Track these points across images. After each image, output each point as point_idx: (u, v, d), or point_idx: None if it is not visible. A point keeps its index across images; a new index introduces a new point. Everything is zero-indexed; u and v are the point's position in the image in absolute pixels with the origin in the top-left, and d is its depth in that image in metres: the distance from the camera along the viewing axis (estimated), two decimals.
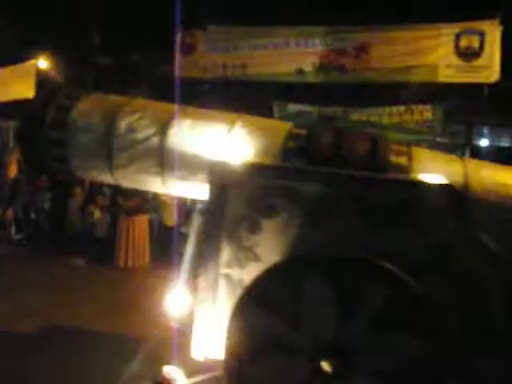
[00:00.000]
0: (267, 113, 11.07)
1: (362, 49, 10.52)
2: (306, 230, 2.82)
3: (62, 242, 9.00)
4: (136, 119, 3.48)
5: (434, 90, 10.35)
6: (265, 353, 2.74)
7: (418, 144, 11.65)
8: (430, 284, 2.69)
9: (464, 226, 2.79)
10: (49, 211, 9.92)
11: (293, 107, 11.12)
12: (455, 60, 10.19)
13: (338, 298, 2.63)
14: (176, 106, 3.80)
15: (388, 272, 2.61)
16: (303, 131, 3.36)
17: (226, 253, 2.93)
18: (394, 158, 3.17)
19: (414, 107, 10.37)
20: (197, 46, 12.01)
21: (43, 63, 10.53)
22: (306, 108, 11.02)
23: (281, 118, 11.16)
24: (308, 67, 11.10)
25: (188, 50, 12.05)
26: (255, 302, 2.74)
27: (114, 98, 3.99)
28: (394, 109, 10.50)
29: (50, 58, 10.60)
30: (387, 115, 10.54)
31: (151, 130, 3.43)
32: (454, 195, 2.80)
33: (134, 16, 11.57)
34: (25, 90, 10.45)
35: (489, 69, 9.97)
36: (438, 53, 10.23)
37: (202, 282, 2.99)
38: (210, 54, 11.85)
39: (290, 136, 3.31)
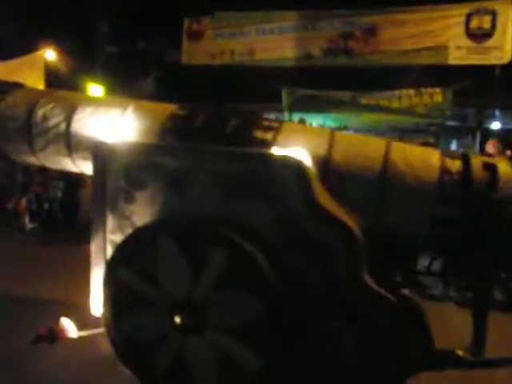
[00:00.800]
0: (275, 98, 11.05)
1: (371, 32, 10.40)
2: (169, 200, 3.19)
3: (76, 229, 9.09)
4: (50, 108, 3.97)
5: (443, 73, 10.20)
6: (132, 309, 3.10)
7: (427, 128, 11.64)
8: (274, 250, 3.00)
9: (309, 196, 2.99)
10: (61, 200, 10.03)
11: (301, 92, 11.05)
12: (466, 41, 10.02)
13: (187, 259, 2.94)
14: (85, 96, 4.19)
15: (228, 238, 2.91)
16: (182, 112, 3.70)
17: (110, 221, 3.35)
18: (260, 134, 3.45)
19: (423, 90, 10.23)
20: (204, 32, 11.96)
21: (51, 53, 10.54)
22: (315, 93, 10.95)
23: (289, 104, 11.13)
24: (316, 52, 11.01)
25: (195, 36, 12.02)
26: (122, 262, 3.11)
27: (38, 91, 4.72)
28: (404, 92, 10.38)
29: (57, 47, 10.61)
30: (396, 99, 10.42)
31: (60, 118, 3.93)
32: (299, 167, 3.00)
33: (140, 3, 11.51)
34: (33, 80, 10.51)
35: (500, 50, 9.79)
36: (447, 34, 10.07)
37: (94, 246, 3.42)
38: (218, 40, 11.82)
39: (170, 117, 3.66)
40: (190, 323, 2.97)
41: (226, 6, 11.41)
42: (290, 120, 10.11)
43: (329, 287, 3.05)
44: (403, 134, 11.24)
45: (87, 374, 3.53)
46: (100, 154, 3.31)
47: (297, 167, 3.01)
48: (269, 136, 3.44)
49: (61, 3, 10.77)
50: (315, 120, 11.23)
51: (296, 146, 3.21)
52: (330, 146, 3.37)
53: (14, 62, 10.52)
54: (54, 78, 10.49)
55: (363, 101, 10.66)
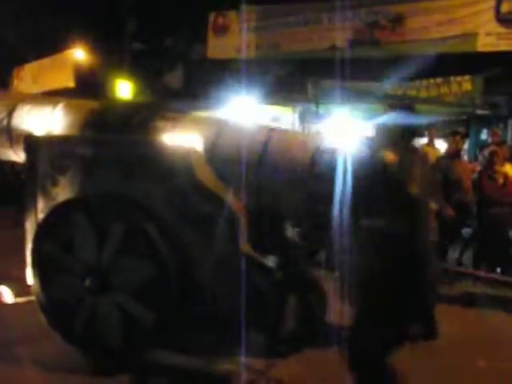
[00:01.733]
0: (301, 90, 11.00)
1: (397, 21, 10.25)
2: (83, 182, 3.73)
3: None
4: None
5: (473, 60, 9.98)
6: (54, 277, 3.67)
7: (457, 117, 11.39)
8: (165, 223, 3.54)
9: (193, 176, 3.55)
10: None
11: (327, 83, 10.98)
12: (496, 27, 9.75)
13: (95, 231, 3.51)
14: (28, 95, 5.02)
15: (125, 213, 3.55)
16: (100, 107, 4.32)
17: (40, 202, 3.85)
18: (161, 124, 4.04)
19: (452, 79, 10.05)
20: (230, 26, 11.99)
21: (80, 52, 10.77)
22: (341, 84, 10.86)
23: (315, 95, 11.07)
24: (342, 42, 10.91)
25: (221, 31, 12.06)
26: (44, 236, 3.67)
27: None
28: (432, 81, 10.20)
29: (86, 46, 10.82)
30: (424, 88, 10.26)
31: (3, 114, 4.45)
32: (185, 152, 3.63)
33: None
34: (64, 79, 10.81)
35: None
36: (477, 21, 9.81)
37: (28, 225, 3.90)
38: (243, 34, 11.82)
39: (90, 112, 4.22)
40: (99, 287, 3.49)
41: (251, 0, 11.41)
42: (317, 110, 10.07)
43: (213, 255, 3.55)
44: (432, 124, 11.06)
45: (23, 334, 4.01)
46: (31, 145, 3.87)
47: (183, 152, 3.62)
48: (168, 126, 4.03)
49: (88, 2, 10.94)
50: (342, 111, 11.15)
51: (189, 134, 3.89)
52: (218, 134, 3.95)
53: (46, 61, 10.82)
54: (83, 76, 10.74)
55: (391, 91, 10.52)
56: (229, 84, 10.79)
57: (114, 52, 11.85)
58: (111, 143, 3.81)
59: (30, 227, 3.90)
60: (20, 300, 4.61)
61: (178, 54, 12.43)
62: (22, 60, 10.98)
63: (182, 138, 3.81)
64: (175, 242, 3.50)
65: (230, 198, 3.58)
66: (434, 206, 6.38)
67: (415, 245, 2.77)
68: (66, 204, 3.70)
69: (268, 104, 11.28)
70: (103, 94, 11.79)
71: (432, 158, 7.55)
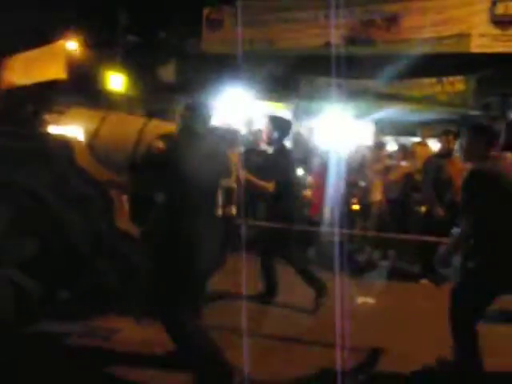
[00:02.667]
0: (295, 87, 10.98)
1: (392, 20, 10.24)
2: None
3: None
4: None
5: (466, 61, 10.00)
6: None
7: (450, 116, 11.45)
8: (50, 204, 3.93)
9: (73, 163, 4.11)
10: None
11: (320, 81, 10.97)
12: (490, 28, 9.78)
13: None
14: None
15: (15, 196, 3.92)
16: None
17: None
18: (49, 117, 4.63)
19: (445, 79, 10.07)
20: (224, 20, 11.92)
21: (72, 44, 10.61)
22: (334, 81, 10.86)
23: (309, 92, 11.05)
24: (337, 40, 10.89)
25: (215, 25, 11.99)
26: None
27: None
28: (425, 81, 10.22)
29: (78, 37, 10.66)
30: (418, 88, 10.28)
31: None
32: (66, 141, 4.22)
33: None
34: (55, 71, 10.61)
35: None
36: (471, 21, 9.84)
37: None
38: (238, 29, 11.75)
39: None
40: None
41: None
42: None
43: (94, 231, 4.02)
44: (424, 123, 11.11)
45: None
46: None
47: (64, 141, 4.16)
48: (55, 118, 4.55)
49: None
50: (334, 109, 11.16)
51: (74, 126, 4.41)
52: (99, 126, 4.45)
53: (34, 53, 10.64)
54: (75, 69, 10.59)
55: (384, 90, 10.53)
56: (223, 79, 10.74)
57: (107, 44, 11.75)
58: (3, 135, 4.13)
59: None
60: None
61: (171, 48, 12.35)
62: (12, 51, 10.82)
63: (65, 129, 4.37)
64: (58, 221, 3.93)
65: (109, 181, 4.15)
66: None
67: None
68: None
69: (261, 100, 11.25)
70: (95, 86, 11.70)
71: (423, 156, 7.57)
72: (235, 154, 4.60)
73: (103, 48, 11.39)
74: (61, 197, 3.98)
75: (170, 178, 3.26)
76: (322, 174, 7.31)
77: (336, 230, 5.99)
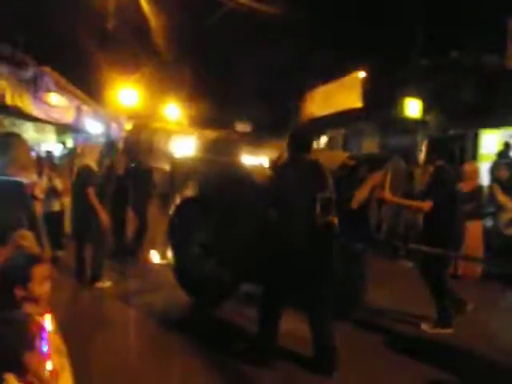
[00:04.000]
0: None
1: None
2: None
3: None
4: None
5: None
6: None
7: None
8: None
9: None
10: None
11: None
12: None
13: None
14: None
15: None
16: None
17: None
18: None
19: None
20: None
21: (365, 73, 11.91)
22: None
23: None
24: None
25: None
26: None
27: None
28: None
29: (371, 66, 11.80)
30: None
31: None
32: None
33: (452, 11, 10.83)
34: (352, 100, 12.24)
35: None
36: None
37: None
38: None
39: None
40: None
41: None
42: None
43: None
44: None
45: (160, 284, 5.94)
46: None
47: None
48: None
49: (378, 31, 11.89)
50: None
51: None
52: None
53: (334, 85, 12.47)
54: (370, 96, 11.85)
55: None
56: None
57: (399, 70, 11.88)
58: None
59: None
60: (162, 262, 6.65)
61: (467, 67, 10.93)
62: (311, 86, 12.84)
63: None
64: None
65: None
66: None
67: None
68: None
69: None
70: (391, 112, 12.36)
71: None
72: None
73: (396, 74, 11.95)
74: None
75: None
76: None
77: None
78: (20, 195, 3.23)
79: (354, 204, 4.46)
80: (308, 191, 3.64)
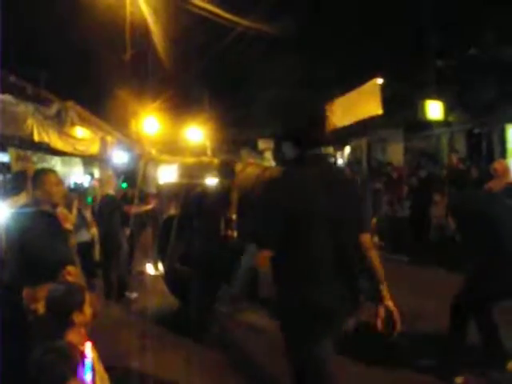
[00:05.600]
0: None
1: None
2: None
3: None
4: None
5: None
6: None
7: None
8: None
9: None
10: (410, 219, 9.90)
11: None
12: None
13: None
14: None
15: None
16: None
17: None
18: None
19: None
20: None
21: (381, 80, 11.76)
22: None
23: None
24: None
25: None
26: None
27: None
28: None
29: (389, 72, 11.66)
30: None
31: None
32: None
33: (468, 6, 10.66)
34: (372, 108, 12.10)
35: None
36: None
37: None
38: None
39: None
40: None
41: None
42: None
43: None
44: None
45: (154, 292, 6.52)
46: None
47: None
48: None
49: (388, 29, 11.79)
50: None
51: None
52: None
53: (353, 94, 12.36)
54: (390, 102, 11.72)
55: None
56: None
57: (417, 73, 11.74)
58: None
59: None
60: (156, 273, 6.92)
61: (487, 62, 10.73)
62: (331, 97, 12.69)
63: None
64: None
65: None
66: None
67: None
68: None
69: None
70: (413, 115, 12.21)
71: None
72: None
73: (414, 77, 11.82)
74: None
75: None
76: None
77: None
78: (59, 229, 3.39)
79: None
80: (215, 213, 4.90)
